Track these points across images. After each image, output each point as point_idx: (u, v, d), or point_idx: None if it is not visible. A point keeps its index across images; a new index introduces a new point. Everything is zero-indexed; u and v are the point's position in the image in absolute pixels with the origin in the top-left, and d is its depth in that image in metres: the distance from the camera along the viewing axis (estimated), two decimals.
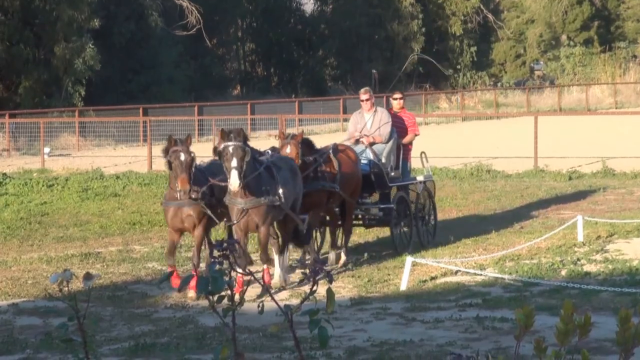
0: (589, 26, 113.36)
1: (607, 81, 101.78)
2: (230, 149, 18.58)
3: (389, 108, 25.01)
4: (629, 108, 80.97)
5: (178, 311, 19.57)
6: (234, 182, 18.60)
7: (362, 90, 22.91)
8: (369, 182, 23.44)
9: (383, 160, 23.21)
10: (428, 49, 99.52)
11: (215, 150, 19.64)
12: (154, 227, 31.10)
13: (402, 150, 23.97)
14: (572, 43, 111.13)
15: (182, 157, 18.29)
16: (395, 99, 23.98)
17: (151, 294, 21.40)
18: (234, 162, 18.48)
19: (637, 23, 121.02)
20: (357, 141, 23.01)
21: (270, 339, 16.90)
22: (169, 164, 19.00)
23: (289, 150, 20.20)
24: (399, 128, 23.67)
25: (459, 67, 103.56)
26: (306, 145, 21.52)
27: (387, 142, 22.63)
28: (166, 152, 19.79)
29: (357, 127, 22.24)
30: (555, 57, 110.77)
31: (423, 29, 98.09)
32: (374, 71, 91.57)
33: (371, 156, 23.09)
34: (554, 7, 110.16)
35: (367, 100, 22.07)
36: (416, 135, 24.61)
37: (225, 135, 19.07)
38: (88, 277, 5.33)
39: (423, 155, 25.29)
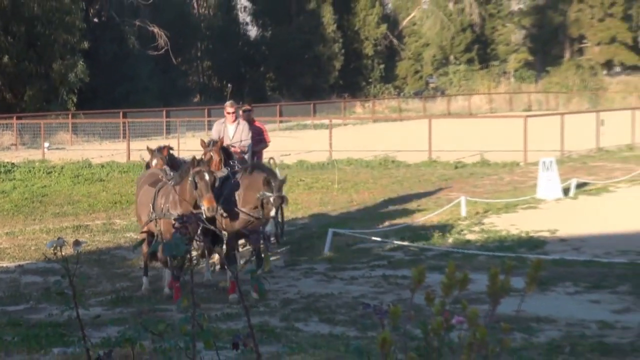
0: (471, 49, 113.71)
1: (484, 92, 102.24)
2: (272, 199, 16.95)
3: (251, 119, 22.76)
4: (501, 112, 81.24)
5: (150, 271, 19.52)
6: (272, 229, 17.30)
7: (228, 103, 21.30)
8: None
9: None
10: (346, 66, 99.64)
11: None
12: (131, 205, 30.94)
13: (255, 158, 22.52)
14: (457, 62, 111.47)
15: (207, 177, 16.52)
16: (245, 111, 22.10)
17: (129, 257, 21.39)
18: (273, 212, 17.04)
19: (506, 46, 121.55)
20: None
21: (221, 293, 16.90)
22: (195, 184, 16.57)
23: (214, 158, 18.67)
24: (253, 138, 22.06)
25: (370, 80, 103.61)
26: (225, 152, 19.92)
27: (247, 152, 21.18)
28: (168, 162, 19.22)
29: (220, 135, 20.48)
30: (445, 73, 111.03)
31: (343, 50, 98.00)
32: (229, 85, 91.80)
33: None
34: (444, 33, 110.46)
35: (232, 113, 20.62)
36: (268, 144, 23.35)
37: (266, 183, 17.00)
38: (77, 243, 5.32)
39: (272, 160, 23.38)
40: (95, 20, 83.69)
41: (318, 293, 16.88)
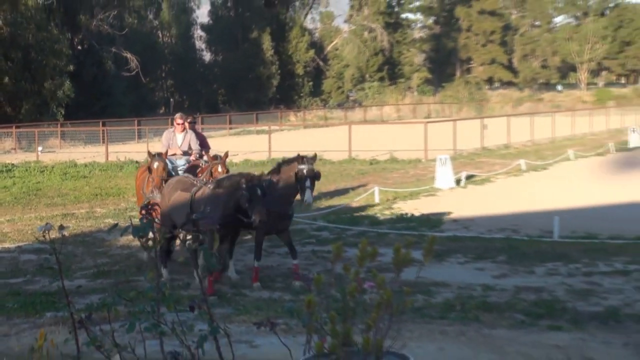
0: (382, 69, 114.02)
1: (393, 103, 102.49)
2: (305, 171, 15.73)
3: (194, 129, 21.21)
4: (406, 119, 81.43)
5: (125, 250, 19.42)
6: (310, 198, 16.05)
7: (178, 115, 20.21)
8: None
9: None
10: (282, 83, 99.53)
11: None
12: (109, 197, 30.99)
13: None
14: (372, 79, 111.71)
15: (259, 192, 14.90)
16: (190, 122, 20.35)
17: (107, 239, 21.15)
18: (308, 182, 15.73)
19: (410, 67, 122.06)
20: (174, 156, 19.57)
21: (182, 266, 16.78)
22: (248, 198, 14.87)
23: (220, 169, 17.43)
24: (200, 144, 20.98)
25: (301, 94, 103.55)
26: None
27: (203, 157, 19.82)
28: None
29: (170, 143, 19.35)
30: (362, 88, 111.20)
31: (279, 71, 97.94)
32: (171, 99, 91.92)
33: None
34: (360, 57, 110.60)
35: (181, 124, 19.48)
36: (210, 148, 21.40)
37: (300, 159, 15.89)
38: (61, 228, 5.28)
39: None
40: (79, 47, 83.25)
41: (261, 265, 16.81)
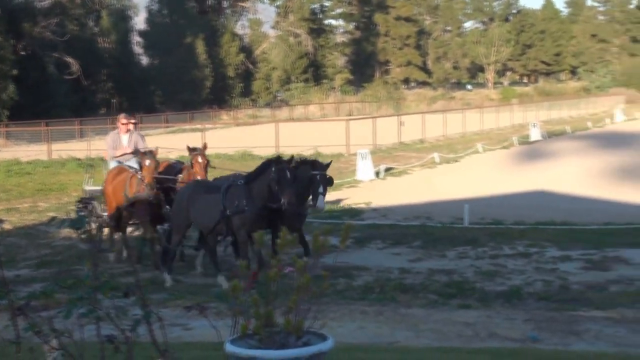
0: (307, 71, 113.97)
1: (318, 102, 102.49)
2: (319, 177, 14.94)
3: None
4: (330, 117, 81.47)
5: (66, 241, 19.17)
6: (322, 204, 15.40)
7: (122, 115, 18.85)
8: None
9: None
10: (214, 85, 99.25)
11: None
12: (52, 192, 30.55)
13: None
14: (297, 80, 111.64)
15: (288, 175, 14.01)
16: (132, 123, 18.63)
17: (49, 231, 20.92)
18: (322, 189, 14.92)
19: (333, 68, 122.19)
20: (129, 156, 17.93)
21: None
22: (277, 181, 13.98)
23: (200, 160, 16.32)
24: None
25: (233, 95, 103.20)
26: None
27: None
28: None
29: (115, 145, 17.94)
30: (288, 89, 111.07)
31: (212, 73, 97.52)
32: (112, 100, 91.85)
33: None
34: (287, 60, 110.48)
35: (125, 124, 18.07)
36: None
37: (315, 164, 15.14)
38: (0, 221, 5.22)
39: (89, 167, 20.96)
40: (22, 53, 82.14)
41: (195, 254, 16.69)
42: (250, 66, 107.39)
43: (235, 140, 46.41)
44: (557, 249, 17.02)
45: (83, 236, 5.04)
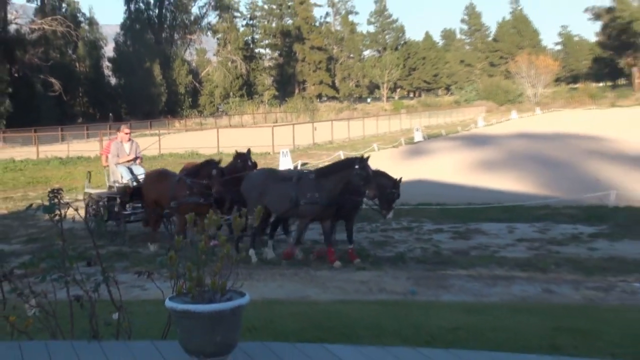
0: (242, 88, 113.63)
1: (251, 113, 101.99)
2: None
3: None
4: (259, 124, 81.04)
5: (50, 222, 18.79)
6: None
7: (124, 126, 17.51)
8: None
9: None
10: (169, 100, 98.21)
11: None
12: (39, 184, 29.98)
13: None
14: (235, 96, 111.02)
15: (369, 169, 12.82)
16: (127, 132, 17.06)
17: (38, 215, 20.50)
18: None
19: (262, 86, 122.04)
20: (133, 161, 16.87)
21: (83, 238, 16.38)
22: (363, 177, 12.86)
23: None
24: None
25: (183, 107, 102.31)
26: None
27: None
28: None
29: (118, 152, 16.62)
30: (227, 102, 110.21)
31: (166, 90, 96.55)
32: (110, 114, 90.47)
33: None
34: (226, 80, 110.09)
35: (128, 133, 16.87)
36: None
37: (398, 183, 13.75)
38: None
39: (89, 174, 18.51)
40: (16, 75, 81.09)
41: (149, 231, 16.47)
42: (197, 85, 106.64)
43: (185, 142, 46.15)
44: (433, 224, 17.21)
45: (54, 219, 5.01)
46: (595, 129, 50.02)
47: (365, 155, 13.14)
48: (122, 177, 16.69)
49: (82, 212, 16.48)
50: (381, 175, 13.45)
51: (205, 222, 4.36)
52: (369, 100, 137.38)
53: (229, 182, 14.37)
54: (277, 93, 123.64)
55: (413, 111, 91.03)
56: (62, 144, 55.21)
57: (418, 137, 48.69)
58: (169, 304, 4.17)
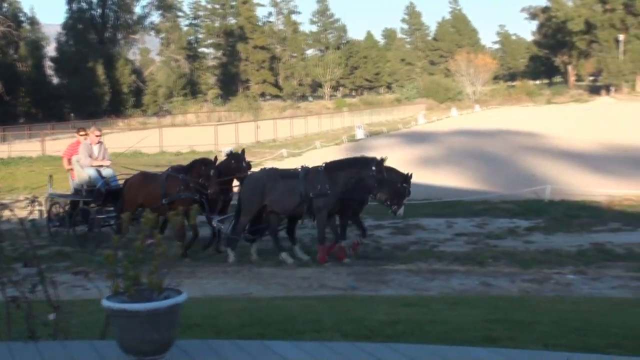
0: (186, 87, 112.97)
1: (195, 112, 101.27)
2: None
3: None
4: (204, 123, 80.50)
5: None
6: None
7: (94, 128, 16.87)
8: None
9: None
10: (112, 99, 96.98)
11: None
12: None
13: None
14: (178, 95, 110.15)
15: (385, 175, 12.70)
16: (97, 135, 16.33)
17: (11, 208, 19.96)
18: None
19: (206, 86, 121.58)
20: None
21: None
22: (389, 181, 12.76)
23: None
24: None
25: (127, 107, 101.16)
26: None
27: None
28: None
29: (89, 154, 15.90)
30: (171, 102, 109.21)
31: (110, 90, 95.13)
32: (33, 110, 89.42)
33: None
34: (169, 79, 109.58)
35: (98, 136, 16.27)
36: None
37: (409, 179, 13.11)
38: None
39: (50, 178, 17.95)
40: None
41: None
42: (141, 84, 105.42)
43: (128, 141, 45.37)
44: (373, 220, 17.21)
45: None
46: (532, 125, 50.84)
47: (381, 157, 12.88)
48: (90, 179, 15.95)
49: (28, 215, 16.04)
50: (390, 170, 13.10)
51: (142, 221, 4.30)
52: (311, 98, 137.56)
53: (223, 183, 14.19)
54: (220, 92, 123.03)
55: (355, 109, 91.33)
56: (3, 144, 54.12)
57: (360, 134, 48.90)
58: (105, 303, 4.12)
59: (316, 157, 36.28)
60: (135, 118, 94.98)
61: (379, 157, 12.84)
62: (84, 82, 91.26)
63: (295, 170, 13.56)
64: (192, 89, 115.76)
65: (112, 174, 16.21)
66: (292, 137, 50.13)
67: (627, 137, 37.40)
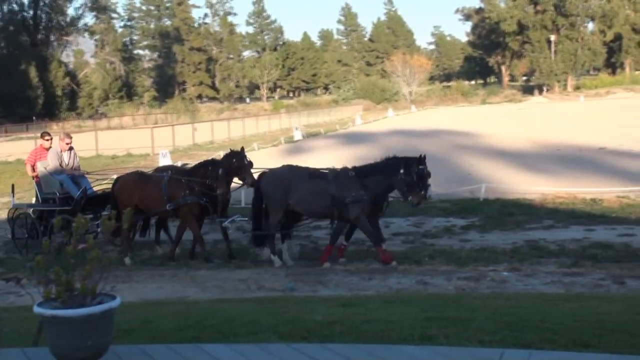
0: (122, 90, 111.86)
1: (130, 115, 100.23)
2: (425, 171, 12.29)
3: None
4: (142, 125, 79.58)
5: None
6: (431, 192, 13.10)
7: (65, 134, 15.76)
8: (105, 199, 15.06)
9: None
10: (46, 102, 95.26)
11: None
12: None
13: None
14: (114, 97, 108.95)
15: (414, 177, 12.14)
16: (67, 142, 15.36)
17: None
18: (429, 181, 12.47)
19: (142, 87, 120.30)
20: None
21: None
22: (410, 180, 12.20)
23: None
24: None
25: (61, 110, 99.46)
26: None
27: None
28: None
29: (59, 161, 15.04)
30: (107, 104, 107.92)
31: (43, 93, 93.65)
32: (3, 118, 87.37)
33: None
34: (105, 82, 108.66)
35: (69, 143, 15.31)
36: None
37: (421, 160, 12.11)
38: None
39: (13, 187, 17.27)
40: None
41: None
42: (75, 87, 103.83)
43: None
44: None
45: None
46: (467, 125, 51.54)
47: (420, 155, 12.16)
48: (63, 187, 15.12)
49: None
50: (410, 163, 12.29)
51: (74, 226, 4.24)
52: (248, 100, 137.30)
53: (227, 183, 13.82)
54: (157, 94, 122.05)
55: (293, 111, 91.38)
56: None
57: (297, 135, 48.96)
58: (37, 309, 4.06)
59: (255, 159, 36.26)
60: (70, 121, 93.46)
61: (418, 155, 12.15)
62: (16, 85, 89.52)
63: (320, 170, 13.14)
64: (128, 91, 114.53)
65: (87, 181, 15.57)
66: (230, 139, 49.88)
67: (559, 136, 38.19)
